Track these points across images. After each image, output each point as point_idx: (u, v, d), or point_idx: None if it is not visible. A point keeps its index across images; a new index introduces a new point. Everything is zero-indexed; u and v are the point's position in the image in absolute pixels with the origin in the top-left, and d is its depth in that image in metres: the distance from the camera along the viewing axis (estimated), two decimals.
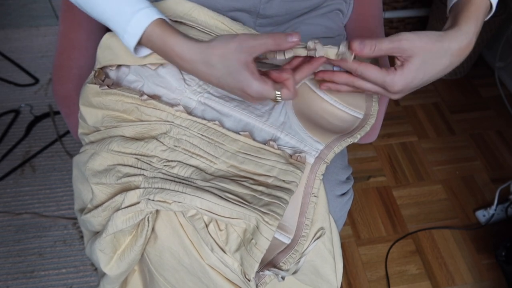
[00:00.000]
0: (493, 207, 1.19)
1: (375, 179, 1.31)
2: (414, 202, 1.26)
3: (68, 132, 1.40)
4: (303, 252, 0.49)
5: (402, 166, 1.35)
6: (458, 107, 1.54)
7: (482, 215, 1.21)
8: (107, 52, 0.59)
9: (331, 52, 0.50)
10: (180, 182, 0.48)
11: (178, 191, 0.46)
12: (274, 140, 0.52)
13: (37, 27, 1.77)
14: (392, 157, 1.37)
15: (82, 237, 1.16)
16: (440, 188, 1.29)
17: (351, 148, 1.39)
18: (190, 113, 0.55)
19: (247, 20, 0.71)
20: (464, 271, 1.11)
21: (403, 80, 0.49)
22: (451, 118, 1.50)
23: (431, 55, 0.49)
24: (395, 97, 0.52)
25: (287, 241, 0.49)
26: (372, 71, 0.49)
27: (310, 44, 0.50)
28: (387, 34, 0.59)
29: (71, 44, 0.75)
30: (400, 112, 1.52)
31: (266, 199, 0.46)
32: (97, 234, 0.54)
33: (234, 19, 0.70)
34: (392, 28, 1.74)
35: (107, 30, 0.81)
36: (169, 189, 0.47)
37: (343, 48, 0.50)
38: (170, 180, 0.48)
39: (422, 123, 1.48)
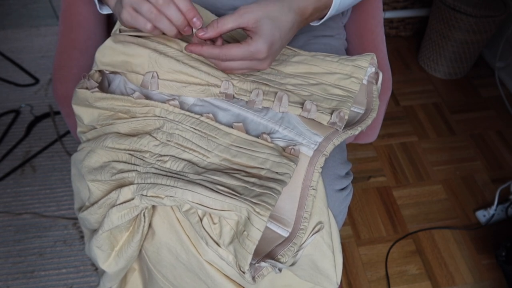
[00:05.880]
0: (493, 207, 1.19)
1: (375, 179, 1.31)
2: (414, 202, 1.26)
3: (68, 132, 1.40)
4: (301, 245, 0.49)
5: (402, 166, 1.35)
6: (458, 107, 1.54)
7: (482, 215, 1.21)
8: (107, 57, 0.58)
9: (323, 117, 0.53)
10: (172, 177, 0.47)
11: (169, 185, 0.46)
12: (269, 134, 0.52)
13: (37, 27, 1.77)
14: (392, 157, 1.37)
15: (82, 237, 1.16)
16: (440, 188, 1.29)
17: (351, 148, 1.39)
18: (188, 109, 0.55)
19: None
20: (464, 271, 1.11)
21: (265, 42, 0.51)
22: (451, 118, 1.50)
23: (275, 13, 0.53)
24: (265, 64, 0.54)
25: (286, 234, 0.49)
26: (236, 49, 0.51)
27: (307, 104, 0.53)
28: (387, 34, 0.59)
29: (71, 44, 0.76)
30: (400, 112, 1.51)
31: (258, 190, 0.45)
32: (95, 231, 0.55)
33: None
34: (392, 28, 1.74)
35: (107, 30, 0.82)
36: (161, 184, 0.47)
37: (335, 118, 0.52)
38: (162, 174, 0.48)
39: (422, 123, 1.48)
